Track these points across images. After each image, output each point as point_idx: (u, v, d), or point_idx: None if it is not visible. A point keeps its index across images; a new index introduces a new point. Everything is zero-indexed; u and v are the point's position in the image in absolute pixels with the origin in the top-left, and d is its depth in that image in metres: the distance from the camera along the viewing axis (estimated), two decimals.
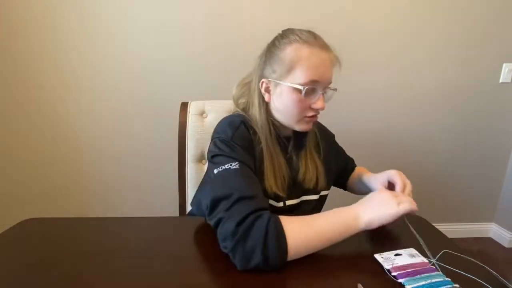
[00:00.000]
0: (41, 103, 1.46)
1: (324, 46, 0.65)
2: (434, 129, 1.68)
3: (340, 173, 0.89)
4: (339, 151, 0.91)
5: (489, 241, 1.84)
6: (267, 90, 0.69)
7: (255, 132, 0.68)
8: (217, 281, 0.50)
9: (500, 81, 1.64)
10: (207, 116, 1.02)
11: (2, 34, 1.37)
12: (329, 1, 1.45)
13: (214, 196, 0.57)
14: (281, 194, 0.68)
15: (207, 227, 0.64)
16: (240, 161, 0.61)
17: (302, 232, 0.53)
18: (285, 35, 0.66)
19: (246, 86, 0.75)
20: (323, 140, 0.81)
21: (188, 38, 1.44)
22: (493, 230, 1.85)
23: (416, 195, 1.83)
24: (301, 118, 0.67)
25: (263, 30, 1.40)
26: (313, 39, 0.64)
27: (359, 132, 1.63)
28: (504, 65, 1.61)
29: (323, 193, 0.80)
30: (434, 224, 0.70)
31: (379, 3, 1.48)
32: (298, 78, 0.63)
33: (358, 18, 1.49)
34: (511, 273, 1.55)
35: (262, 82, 0.68)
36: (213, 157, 0.64)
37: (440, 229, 0.68)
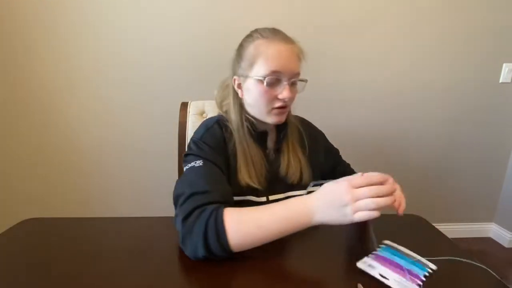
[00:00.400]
0: (41, 103, 1.46)
1: (284, 39, 0.68)
2: (434, 128, 1.68)
3: (329, 173, 0.86)
4: (331, 150, 0.89)
5: (489, 241, 1.84)
6: (239, 86, 0.72)
7: (227, 130, 0.72)
8: (217, 281, 0.50)
9: (500, 81, 1.64)
10: (207, 116, 1.02)
11: (1, 33, 1.37)
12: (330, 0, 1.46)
13: (175, 194, 0.60)
14: (255, 185, 0.69)
15: None
16: (205, 159, 0.64)
17: (245, 226, 0.52)
18: (249, 35, 0.71)
19: (227, 88, 0.78)
20: (309, 136, 0.82)
21: (188, 38, 1.44)
22: (493, 230, 1.85)
23: (416, 195, 1.82)
24: (270, 110, 0.69)
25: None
26: (273, 34, 0.68)
27: (358, 131, 1.63)
28: (504, 65, 1.61)
29: (311, 189, 0.79)
30: (434, 224, 0.70)
31: (378, 3, 1.48)
32: (260, 70, 0.66)
33: (358, 18, 1.49)
34: (511, 273, 1.55)
35: (234, 79, 0.72)
36: (185, 157, 0.68)
37: (440, 229, 0.68)
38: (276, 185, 0.74)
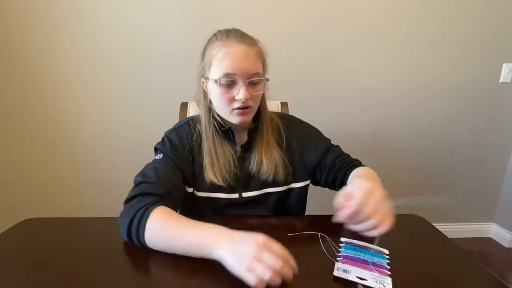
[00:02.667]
0: (41, 103, 1.46)
1: (238, 40, 0.67)
2: (434, 128, 1.68)
3: (317, 168, 0.82)
4: (319, 144, 0.82)
5: (489, 241, 1.84)
6: (207, 88, 0.74)
7: (195, 130, 0.75)
8: (218, 281, 0.50)
9: (500, 81, 1.64)
10: None
11: (1, 32, 1.37)
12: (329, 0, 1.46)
13: (134, 180, 0.67)
14: (220, 183, 0.72)
15: None
16: (164, 154, 0.71)
17: (160, 233, 0.55)
18: (210, 38, 0.73)
19: (199, 89, 0.80)
20: (290, 132, 0.81)
21: (189, 38, 1.44)
22: (493, 230, 1.85)
23: (416, 195, 1.82)
24: (231, 111, 0.70)
25: (263, 30, 1.40)
26: (226, 36, 0.68)
27: (357, 131, 1.63)
28: (504, 65, 1.61)
29: (294, 185, 0.79)
30: (434, 224, 0.70)
31: (378, 3, 1.48)
32: (215, 72, 0.68)
33: (358, 18, 1.49)
34: (511, 273, 1.55)
35: (202, 81, 0.75)
36: (154, 150, 0.75)
37: (440, 229, 0.68)
38: (250, 182, 0.76)
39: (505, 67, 1.61)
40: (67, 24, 1.38)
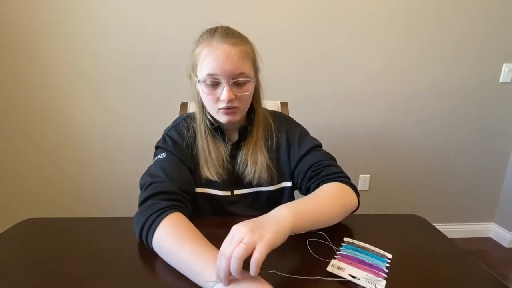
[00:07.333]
0: (42, 103, 1.46)
1: (222, 40, 0.66)
2: (434, 129, 1.68)
3: (294, 172, 0.78)
4: (300, 147, 0.78)
5: (489, 241, 1.84)
6: (196, 87, 0.74)
7: (190, 126, 0.76)
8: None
9: (500, 81, 1.64)
10: None
11: (2, 31, 1.37)
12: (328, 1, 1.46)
13: (140, 184, 0.67)
14: (214, 178, 0.72)
15: (207, 226, 0.64)
16: (168, 151, 0.72)
17: (166, 243, 0.54)
18: (198, 37, 0.73)
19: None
20: (281, 131, 0.79)
21: (189, 37, 1.43)
22: (493, 230, 1.85)
23: (416, 195, 1.83)
24: (217, 110, 0.70)
25: (264, 30, 1.41)
26: (210, 36, 0.68)
27: (358, 131, 1.62)
28: (504, 65, 1.61)
29: (284, 184, 0.79)
30: (434, 224, 0.70)
31: (378, 3, 1.48)
32: (200, 73, 0.68)
33: (358, 18, 1.49)
34: (511, 273, 1.55)
35: (194, 79, 0.73)
36: (155, 149, 0.76)
37: (440, 229, 0.68)
38: (241, 180, 0.76)
39: (505, 67, 1.61)
40: (69, 23, 1.39)
